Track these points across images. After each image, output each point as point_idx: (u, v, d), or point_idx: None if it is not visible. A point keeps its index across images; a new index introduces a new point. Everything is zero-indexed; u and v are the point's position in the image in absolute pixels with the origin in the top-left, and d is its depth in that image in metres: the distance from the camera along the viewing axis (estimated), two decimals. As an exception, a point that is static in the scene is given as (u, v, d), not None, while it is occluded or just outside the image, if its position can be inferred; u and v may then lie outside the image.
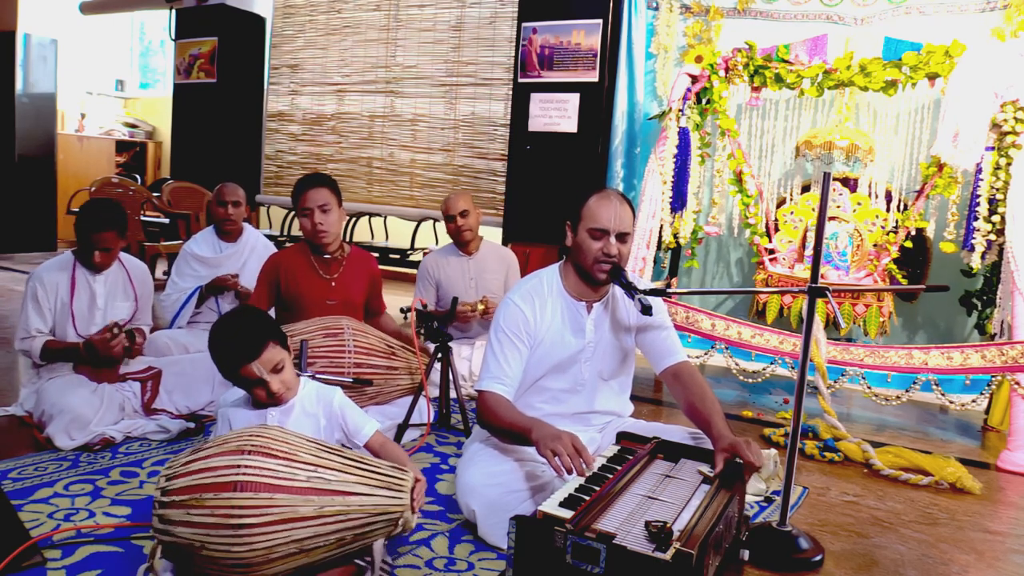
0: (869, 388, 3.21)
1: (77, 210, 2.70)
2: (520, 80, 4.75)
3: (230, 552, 1.48)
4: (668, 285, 4.06)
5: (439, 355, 2.81)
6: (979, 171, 3.25)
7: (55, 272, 2.70)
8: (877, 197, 3.68)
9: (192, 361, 2.94)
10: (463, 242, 3.53)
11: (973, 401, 3.17)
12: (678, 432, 2.13)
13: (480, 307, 3.31)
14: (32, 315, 2.65)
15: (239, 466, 1.52)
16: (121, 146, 8.87)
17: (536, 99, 4.68)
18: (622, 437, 2.02)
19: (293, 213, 6.03)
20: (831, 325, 3.52)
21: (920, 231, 3.54)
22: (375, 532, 1.61)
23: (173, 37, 6.60)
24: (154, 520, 1.53)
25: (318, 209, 2.86)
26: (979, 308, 3.58)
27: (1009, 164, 3.19)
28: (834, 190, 3.68)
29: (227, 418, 1.85)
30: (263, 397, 1.78)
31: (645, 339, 2.20)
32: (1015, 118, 3.17)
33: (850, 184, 3.71)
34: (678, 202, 3.81)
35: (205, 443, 1.63)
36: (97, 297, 2.74)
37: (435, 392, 2.91)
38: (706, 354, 3.52)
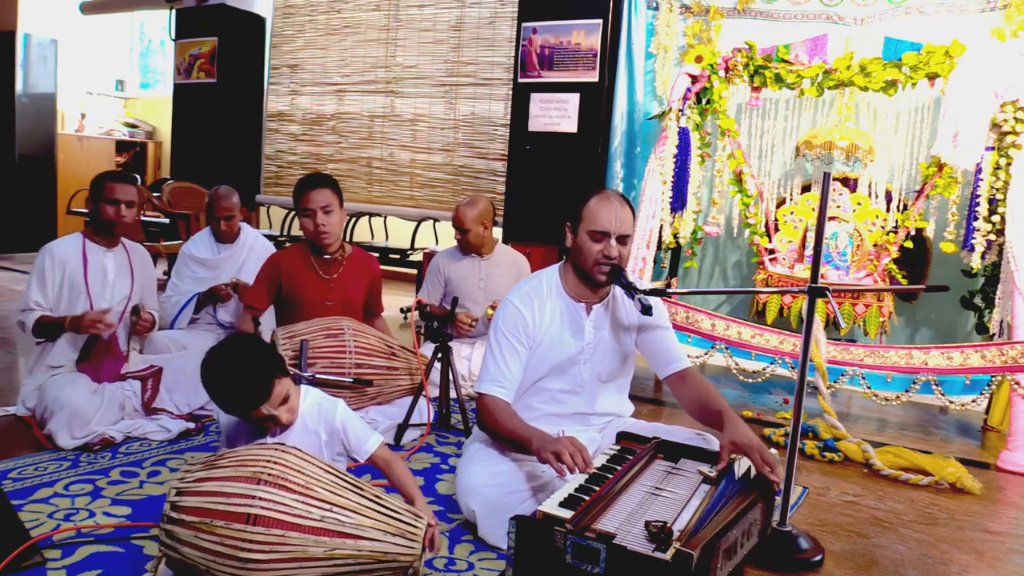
0: (869, 388, 3.21)
1: (93, 179, 2.75)
2: (520, 80, 4.74)
3: None
4: (668, 285, 4.06)
5: (439, 355, 2.81)
6: (979, 171, 3.25)
7: (65, 247, 2.71)
8: (877, 197, 3.68)
9: (192, 358, 2.95)
10: (467, 251, 3.52)
11: (973, 401, 3.16)
12: (678, 432, 2.12)
13: (489, 312, 3.30)
14: (34, 288, 2.66)
15: (254, 497, 1.50)
16: (121, 146, 8.87)
17: (536, 99, 4.68)
18: (622, 437, 2.02)
19: (293, 213, 6.03)
20: (831, 325, 3.52)
21: (920, 231, 3.54)
22: None
23: (173, 37, 6.60)
24: (161, 533, 1.52)
25: (320, 210, 2.86)
26: (979, 308, 3.58)
27: (1009, 164, 3.19)
28: (834, 190, 3.68)
29: (229, 436, 1.84)
30: (272, 427, 1.78)
31: (646, 340, 2.20)
32: (1015, 118, 3.17)
33: (850, 184, 3.71)
34: (678, 202, 3.81)
35: (219, 458, 1.61)
36: (108, 273, 2.76)
37: (435, 392, 2.91)
38: (706, 354, 3.52)
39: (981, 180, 3.25)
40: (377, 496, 1.64)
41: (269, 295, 2.98)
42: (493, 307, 3.31)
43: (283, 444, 1.68)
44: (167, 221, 5.79)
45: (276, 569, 1.48)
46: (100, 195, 2.68)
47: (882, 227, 3.61)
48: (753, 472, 1.80)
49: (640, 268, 3.72)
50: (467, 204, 3.44)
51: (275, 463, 1.57)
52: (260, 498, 1.50)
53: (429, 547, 1.64)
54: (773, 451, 2.49)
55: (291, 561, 1.49)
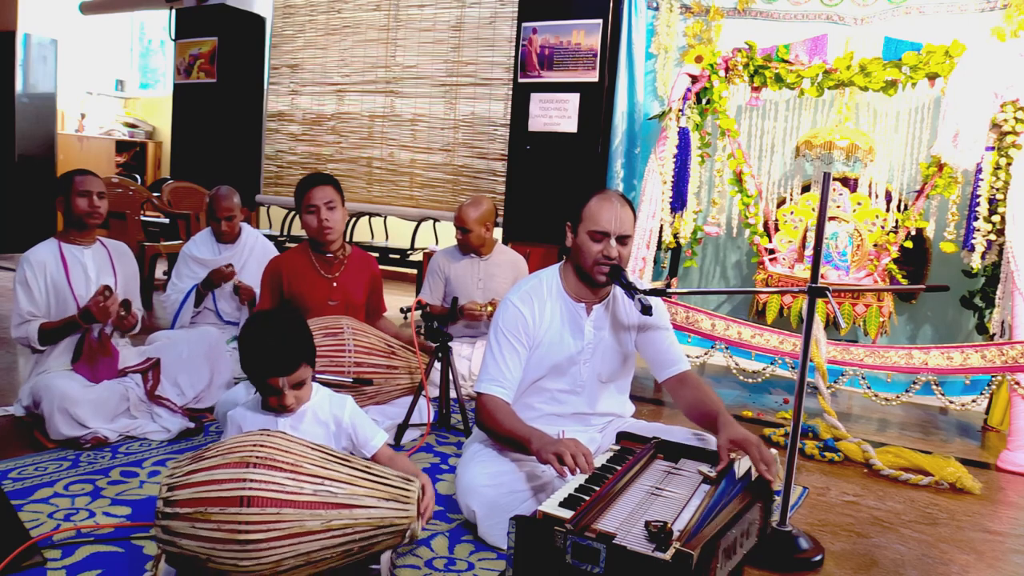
0: (869, 389, 3.21)
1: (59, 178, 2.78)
2: (520, 80, 4.74)
3: (238, 566, 1.48)
4: (668, 285, 4.06)
5: (439, 355, 2.81)
6: (979, 171, 3.25)
7: (41, 253, 2.71)
8: (877, 197, 3.68)
9: (187, 341, 2.97)
10: (466, 251, 3.52)
11: (973, 401, 3.17)
12: (678, 432, 2.12)
13: (488, 308, 3.31)
14: (22, 299, 2.65)
15: (245, 480, 1.51)
16: (121, 146, 8.87)
17: (536, 99, 4.68)
18: (622, 437, 2.01)
19: (293, 213, 6.03)
20: (831, 325, 3.52)
21: (920, 231, 3.54)
22: (382, 543, 1.62)
23: (173, 37, 6.60)
24: (157, 530, 1.53)
25: (324, 206, 2.88)
26: (979, 308, 3.58)
27: (1009, 164, 3.19)
28: (834, 190, 3.68)
29: (236, 422, 1.85)
30: (273, 404, 1.80)
31: (645, 340, 2.20)
32: (1015, 118, 3.17)
33: (850, 184, 3.71)
34: (678, 202, 3.81)
35: (206, 451, 1.62)
36: (89, 270, 2.76)
37: (435, 392, 2.91)
38: (706, 354, 3.52)
39: (981, 180, 3.25)
40: (366, 466, 1.66)
41: (275, 301, 2.99)
42: (493, 305, 3.32)
43: (267, 429, 1.70)
44: (167, 221, 5.79)
45: (276, 547, 1.49)
46: (70, 190, 2.70)
47: (882, 227, 3.61)
48: (754, 473, 1.79)
49: (640, 268, 3.72)
50: (470, 204, 3.45)
51: (262, 446, 1.58)
52: (251, 480, 1.51)
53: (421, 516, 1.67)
54: (773, 451, 2.50)
55: (290, 537, 1.50)
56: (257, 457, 1.55)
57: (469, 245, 3.47)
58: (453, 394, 2.97)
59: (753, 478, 1.79)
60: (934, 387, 3.14)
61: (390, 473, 1.68)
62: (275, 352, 1.74)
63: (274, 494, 1.51)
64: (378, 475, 1.65)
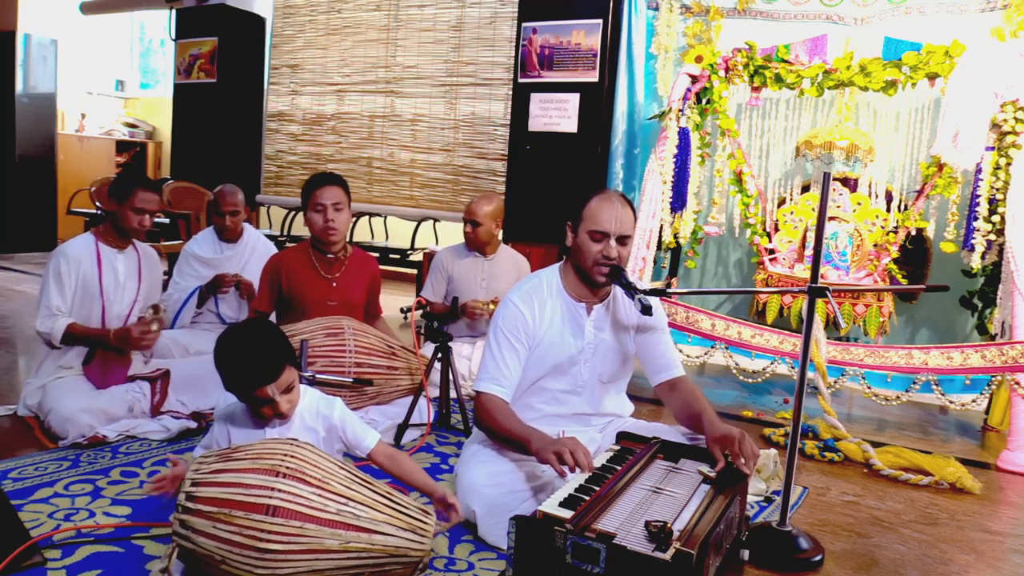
0: (869, 388, 3.21)
1: (115, 176, 2.71)
2: (520, 80, 4.74)
3: (251, 573, 1.48)
4: (668, 285, 4.06)
5: (439, 355, 2.81)
6: (979, 171, 3.25)
7: (78, 248, 2.69)
8: (877, 197, 3.68)
9: (200, 363, 2.95)
10: (473, 247, 3.53)
11: (973, 401, 3.17)
12: (678, 432, 2.13)
13: (491, 307, 3.31)
14: (53, 292, 2.62)
15: (273, 489, 1.52)
16: (121, 146, 8.87)
17: (536, 99, 4.68)
18: (622, 437, 2.02)
19: (293, 213, 6.04)
20: (831, 325, 3.52)
21: (920, 231, 3.54)
22: (392, 572, 1.62)
23: (173, 37, 6.60)
24: (175, 523, 1.53)
25: (331, 206, 2.89)
26: (979, 308, 3.58)
27: (1009, 164, 3.19)
28: (834, 190, 3.68)
29: (226, 430, 1.83)
30: (268, 414, 1.77)
31: (643, 342, 2.20)
32: (1015, 118, 3.17)
33: (850, 184, 3.71)
34: (678, 202, 3.81)
35: (234, 451, 1.62)
36: (120, 274, 2.75)
37: (435, 392, 2.91)
38: (706, 354, 3.52)
39: (981, 180, 3.25)
40: (388, 492, 1.67)
41: (272, 297, 2.99)
42: (496, 303, 3.32)
43: (295, 439, 1.69)
44: (167, 221, 5.79)
45: (292, 560, 1.50)
46: (126, 201, 2.65)
47: (882, 227, 3.61)
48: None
49: (640, 268, 3.72)
50: (483, 198, 3.47)
51: (292, 457, 1.59)
52: (279, 490, 1.52)
53: (448, 517, 1.74)
54: (772, 450, 2.51)
55: (307, 552, 1.51)
56: (287, 468, 1.56)
57: (477, 240, 3.46)
58: (453, 394, 2.97)
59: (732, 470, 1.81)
60: (934, 387, 3.15)
61: (410, 503, 1.67)
62: (255, 362, 1.70)
63: (299, 507, 1.52)
64: (399, 504, 1.65)
